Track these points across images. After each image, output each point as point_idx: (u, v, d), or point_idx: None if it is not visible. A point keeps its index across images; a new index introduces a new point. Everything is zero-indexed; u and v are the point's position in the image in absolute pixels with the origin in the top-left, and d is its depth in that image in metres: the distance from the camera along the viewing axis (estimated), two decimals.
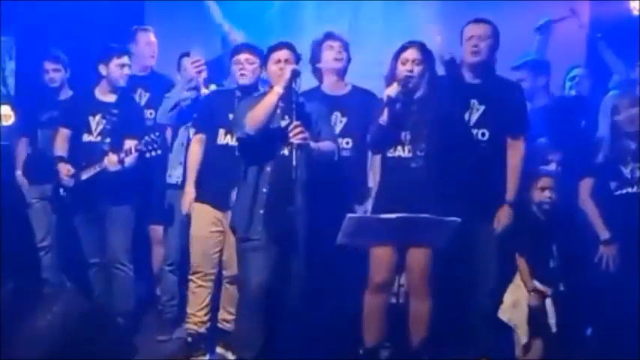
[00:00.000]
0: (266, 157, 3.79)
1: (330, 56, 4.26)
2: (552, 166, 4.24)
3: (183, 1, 5.60)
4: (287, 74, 3.69)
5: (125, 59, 4.48)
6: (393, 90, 3.75)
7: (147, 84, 4.92)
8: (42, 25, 5.39)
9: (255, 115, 3.71)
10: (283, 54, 3.85)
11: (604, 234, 4.07)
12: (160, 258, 4.89)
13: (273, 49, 3.90)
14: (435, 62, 3.90)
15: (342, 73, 4.32)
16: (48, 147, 4.76)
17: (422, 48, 3.81)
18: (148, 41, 4.99)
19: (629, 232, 4.02)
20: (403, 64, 3.79)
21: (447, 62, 3.98)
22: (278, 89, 3.70)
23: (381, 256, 3.82)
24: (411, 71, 3.76)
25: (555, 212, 4.04)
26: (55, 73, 4.88)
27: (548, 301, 3.89)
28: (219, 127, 4.22)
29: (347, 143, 4.23)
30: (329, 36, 4.29)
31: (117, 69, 4.45)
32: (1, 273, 4.41)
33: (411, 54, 3.80)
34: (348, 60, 4.31)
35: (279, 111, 3.76)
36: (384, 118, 3.74)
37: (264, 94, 3.84)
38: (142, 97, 4.89)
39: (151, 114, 4.81)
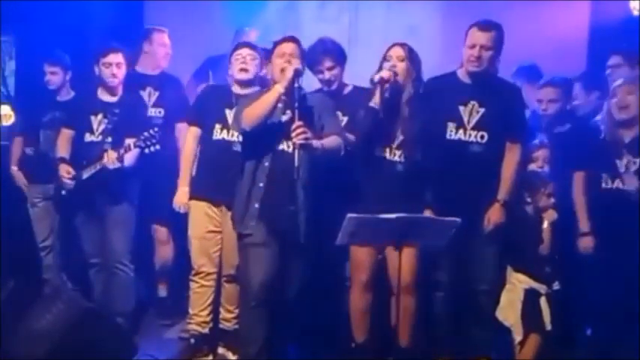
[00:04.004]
0: (264, 152, 3.77)
1: (321, 77, 4.17)
2: (539, 163, 4.23)
3: (183, 1, 5.60)
4: (289, 74, 3.65)
5: (110, 58, 4.42)
6: (385, 72, 3.80)
7: (157, 83, 4.88)
8: (42, 25, 5.39)
9: (253, 112, 3.68)
10: (289, 47, 3.81)
11: (584, 227, 4.16)
12: (163, 258, 4.89)
13: (279, 42, 3.85)
14: (420, 64, 3.93)
15: (334, 93, 4.21)
16: (50, 147, 4.77)
17: (406, 47, 3.90)
18: (162, 42, 4.95)
19: (620, 229, 4.04)
20: (387, 60, 3.89)
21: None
22: (279, 88, 3.66)
23: (360, 256, 3.94)
24: (394, 67, 3.85)
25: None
26: (52, 76, 4.88)
27: (543, 300, 3.90)
28: (215, 122, 4.20)
29: None
30: (322, 53, 4.12)
31: (104, 68, 4.44)
32: (1, 273, 4.41)
33: (395, 52, 3.90)
34: (343, 67, 4.21)
35: (280, 105, 3.73)
36: (376, 100, 3.76)
37: (265, 91, 3.82)
38: (151, 95, 4.87)
39: (160, 112, 4.82)
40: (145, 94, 4.85)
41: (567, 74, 4.67)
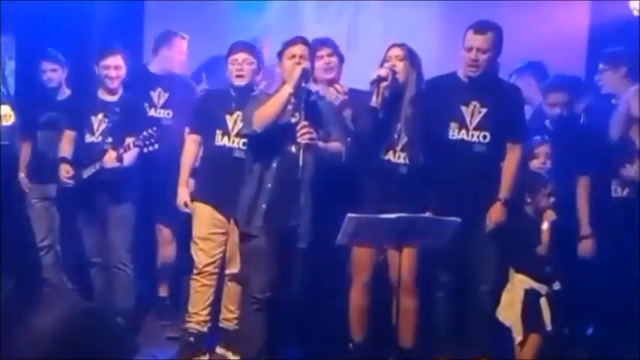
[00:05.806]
0: (273, 153, 3.79)
1: (321, 63, 4.20)
2: (541, 159, 4.21)
3: (183, 1, 5.60)
4: (297, 74, 3.68)
5: (110, 60, 4.42)
6: (382, 70, 3.80)
7: (168, 84, 4.83)
8: (42, 25, 5.39)
9: (264, 113, 3.70)
10: (298, 49, 3.81)
11: (585, 231, 4.14)
12: (166, 258, 4.88)
13: (288, 43, 3.86)
14: (420, 65, 3.93)
15: (334, 81, 4.26)
16: (48, 147, 4.76)
17: (405, 48, 3.91)
18: (181, 49, 4.88)
19: (625, 233, 4.04)
20: (387, 61, 3.89)
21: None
22: (288, 88, 3.68)
23: (362, 255, 3.95)
24: (394, 66, 3.84)
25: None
26: (52, 73, 4.87)
27: (543, 300, 3.90)
28: (215, 129, 4.21)
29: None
30: (322, 42, 4.22)
31: (102, 70, 4.44)
32: (1, 273, 4.41)
33: (393, 52, 3.91)
34: (341, 62, 4.27)
35: (290, 107, 3.74)
36: (375, 99, 3.75)
37: (273, 92, 3.83)
38: (160, 96, 4.84)
39: (168, 114, 4.80)
40: (154, 94, 4.83)
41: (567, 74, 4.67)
